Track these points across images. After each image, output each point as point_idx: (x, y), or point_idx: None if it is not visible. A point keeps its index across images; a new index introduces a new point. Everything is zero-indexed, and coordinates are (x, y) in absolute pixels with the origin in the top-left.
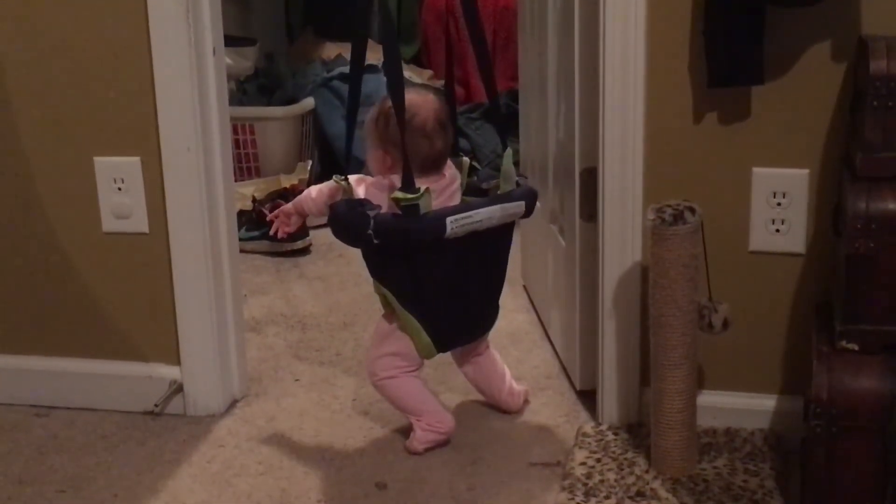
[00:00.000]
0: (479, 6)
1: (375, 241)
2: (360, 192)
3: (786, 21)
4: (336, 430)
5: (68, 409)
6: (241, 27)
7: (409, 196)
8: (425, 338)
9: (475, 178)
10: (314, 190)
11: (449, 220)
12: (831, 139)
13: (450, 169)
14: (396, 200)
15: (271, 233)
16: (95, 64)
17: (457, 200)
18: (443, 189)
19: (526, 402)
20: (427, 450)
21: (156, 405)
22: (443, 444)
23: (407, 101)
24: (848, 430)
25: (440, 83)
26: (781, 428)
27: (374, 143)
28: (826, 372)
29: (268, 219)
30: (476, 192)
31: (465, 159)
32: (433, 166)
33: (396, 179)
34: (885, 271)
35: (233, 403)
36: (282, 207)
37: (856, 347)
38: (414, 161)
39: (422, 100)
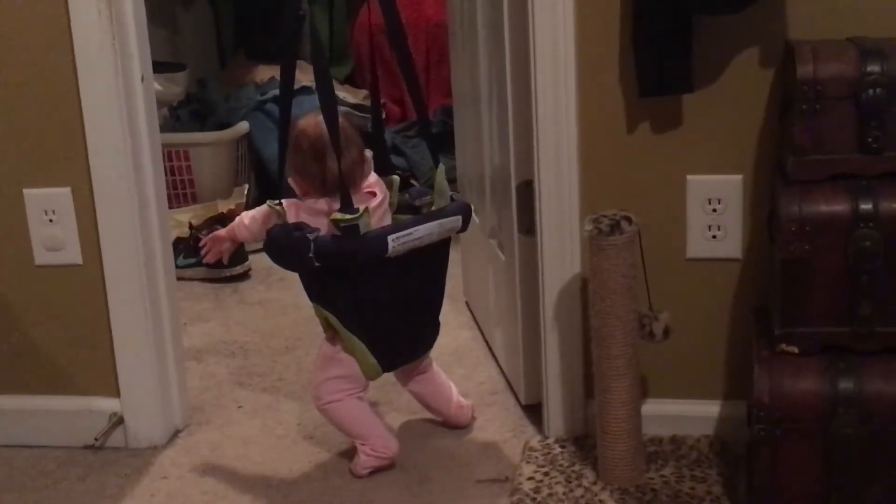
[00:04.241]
0: (404, 26)
1: (317, 264)
2: (294, 216)
3: (713, 29)
4: (281, 456)
5: (6, 446)
6: (171, 53)
7: (348, 217)
8: (370, 358)
9: (407, 195)
10: (247, 216)
11: (390, 238)
12: (763, 144)
13: (380, 188)
14: (336, 222)
15: (204, 260)
16: (21, 95)
17: (388, 219)
18: (375, 209)
19: (473, 417)
20: (370, 474)
21: (96, 439)
22: (386, 468)
23: (299, 128)
24: (791, 433)
25: None
26: (727, 433)
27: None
28: (767, 375)
29: (199, 244)
30: (409, 210)
31: (395, 178)
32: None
33: (323, 203)
34: (820, 273)
35: (175, 434)
36: (214, 233)
37: (795, 350)
38: (314, 184)
39: (308, 122)
